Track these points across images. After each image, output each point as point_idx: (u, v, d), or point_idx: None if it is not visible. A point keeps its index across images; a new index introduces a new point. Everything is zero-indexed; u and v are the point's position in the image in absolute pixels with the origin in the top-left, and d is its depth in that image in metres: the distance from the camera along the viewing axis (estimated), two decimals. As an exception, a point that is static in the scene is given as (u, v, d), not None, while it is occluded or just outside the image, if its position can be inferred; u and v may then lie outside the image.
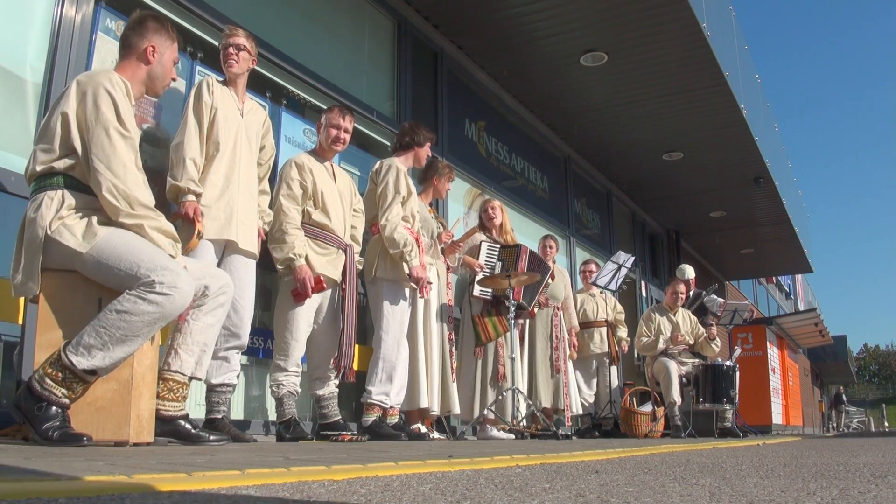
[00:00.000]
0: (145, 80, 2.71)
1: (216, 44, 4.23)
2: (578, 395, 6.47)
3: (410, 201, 4.21)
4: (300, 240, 3.57)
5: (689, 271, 8.10)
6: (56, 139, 2.44)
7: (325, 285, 3.58)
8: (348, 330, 3.68)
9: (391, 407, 4.05)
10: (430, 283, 4.22)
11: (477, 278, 5.01)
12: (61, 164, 2.44)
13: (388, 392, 3.96)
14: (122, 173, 2.41)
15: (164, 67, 2.74)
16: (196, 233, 2.99)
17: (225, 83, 3.37)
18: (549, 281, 5.73)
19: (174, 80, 2.84)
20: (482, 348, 5.01)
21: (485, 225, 5.39)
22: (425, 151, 4.43)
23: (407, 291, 4.14)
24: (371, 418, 3.93)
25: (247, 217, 3.26)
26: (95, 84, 2.47)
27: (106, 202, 2.40)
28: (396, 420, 4.10)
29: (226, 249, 3.24)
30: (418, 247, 4.14)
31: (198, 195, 3.05)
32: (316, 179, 3.71)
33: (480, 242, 5.16)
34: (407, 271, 4.03)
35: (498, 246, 5.16)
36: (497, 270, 5.01)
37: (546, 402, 5.72)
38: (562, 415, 5.92)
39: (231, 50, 3.36)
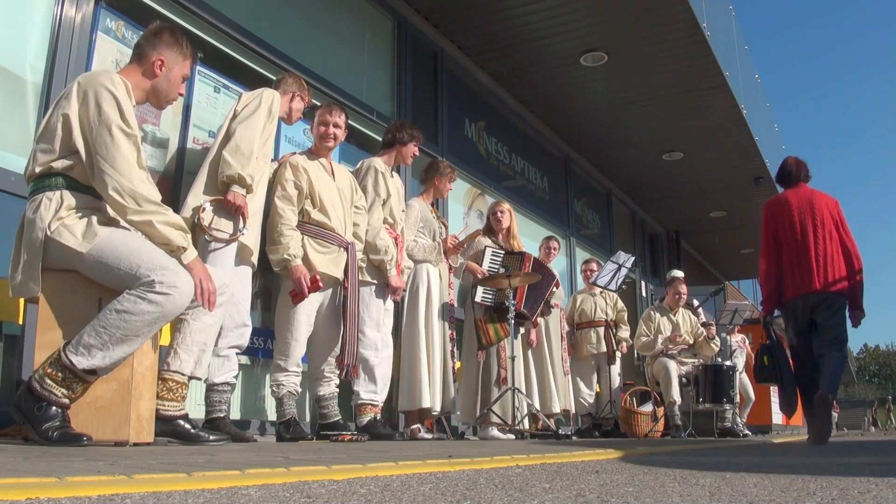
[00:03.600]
0: (149, 91, 2.69)
1: (216, 44, 4.24)
2: (578, 394, 6.50)
3: (391, 202, 4.20)
4: (295, 240, 3.58)
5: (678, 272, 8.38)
6: (56, 140, 2.44)
7: (321, 284, 3.59)
8: (351, 328, 3.68)
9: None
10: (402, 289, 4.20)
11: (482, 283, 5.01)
12: (60, 165, 2.43)
13: (375, 390, 3.97)
14: (127, 171, 2.41)
15: (169, 83, 2.71)
16: (242, 226, 3.11)
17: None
18: (554, 289, 5.71)
19: (181, 95, 2.81)
20: (484, 351, 5.02)
21: (492, 227, 5.35)
22: (410, 150, 4.39)
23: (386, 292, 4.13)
24: (365, 418, 3.93)
25: (255, 226, 3.38)
26: (97, 85, 2.47)
27: (112, 201, 2.40)
28: (377, 417, 4.12)
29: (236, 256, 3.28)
30: (397, 247, 4.15)
31: (248, 192, 3.17)
32: (312, 179, 3.71)
33: (485, 248, 5.13)
34: (385, 281, 4.05)
35: (502, 252, 5.15)
36: None
37: (565, 403, 5.76)
38: (563, 415, 5.95)
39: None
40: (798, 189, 4.58)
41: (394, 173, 4.38)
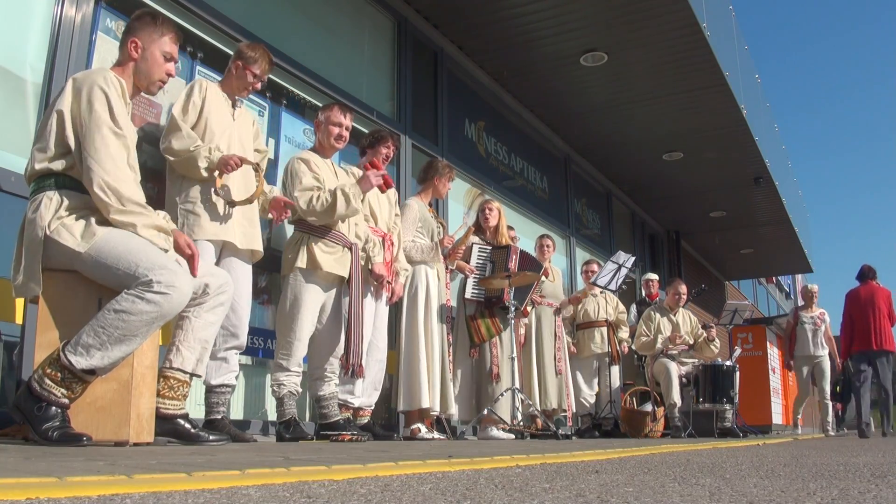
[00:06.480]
0: (133, 77, 2.67)
1: (216, 44, 4.24)
2: (579, 394, 6.49)
3: (368, 200, 4.14)
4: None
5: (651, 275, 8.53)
6: (52, 139, 2.44)
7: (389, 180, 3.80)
8: (356, 328, 3.66)
9: (360, 408, 4.05)
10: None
11: (472, 279, 4.99)
12: (59, 165, 2.44)
13: (352, 391, 3.96)
14: (112, 169, 2.40)
15: (148, 62, 2.66)
16: (254, 172, 3.21)
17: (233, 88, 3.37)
18: (543, 278, 5.72)
19: (170, 75, 2.76)
20: (477, 349, 5.00)
21: (480, 225, 5.34)
22: (377, 151, 4.22)
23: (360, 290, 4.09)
24: (336, 417, 3.90)
25: (244, 218, 3.26)
26: (90, 82, 2.47)
27: (97, 198, 2.40)
28: (367, 421, 4.11)
29: (223, 250, 3.23)
30: (383, 245, 4.12)
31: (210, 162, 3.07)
32: (321, 176, 3.71)
33: (472, 244, 5.12)
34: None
35: (489, 248, 5.12)
36: (488, 272, 4.98)
37: (554, 402, 5.74)
38: (559, 413, 5.93)
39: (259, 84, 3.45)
40: (867, 285, 7.83)
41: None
